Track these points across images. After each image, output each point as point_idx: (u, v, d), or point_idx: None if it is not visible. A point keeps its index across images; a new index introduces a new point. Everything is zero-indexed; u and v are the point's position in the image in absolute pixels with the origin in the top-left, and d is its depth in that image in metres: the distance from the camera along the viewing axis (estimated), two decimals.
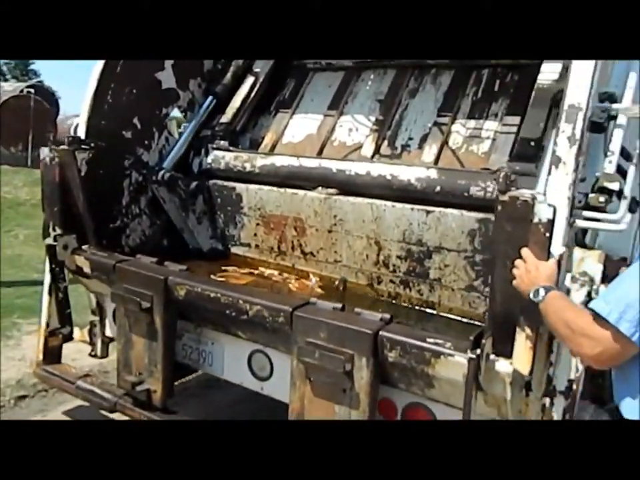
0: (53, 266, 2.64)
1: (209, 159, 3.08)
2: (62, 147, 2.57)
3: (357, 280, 2.68)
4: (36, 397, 3.13)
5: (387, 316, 1.87)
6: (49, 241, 2.61)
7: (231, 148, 3.06)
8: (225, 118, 3.16)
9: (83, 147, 2.60)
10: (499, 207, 1.53)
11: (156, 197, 3.02)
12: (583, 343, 1.19)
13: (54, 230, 2.61)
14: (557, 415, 1.54)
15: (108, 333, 2.90)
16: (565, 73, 2.13)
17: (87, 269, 2.58)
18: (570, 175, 1.52)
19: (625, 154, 1.77)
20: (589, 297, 1.47)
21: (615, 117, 1.73)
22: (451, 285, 2.39)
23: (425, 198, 2.38)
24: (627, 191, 1.57)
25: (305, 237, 2.79)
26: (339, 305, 1.98)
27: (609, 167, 1.66)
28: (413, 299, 2.53)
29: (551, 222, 1.42)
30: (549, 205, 1.42)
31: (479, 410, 1.66)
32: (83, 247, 2.63)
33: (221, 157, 3.04)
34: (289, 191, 2.77)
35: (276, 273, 2.86)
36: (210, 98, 3.20)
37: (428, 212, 2.35)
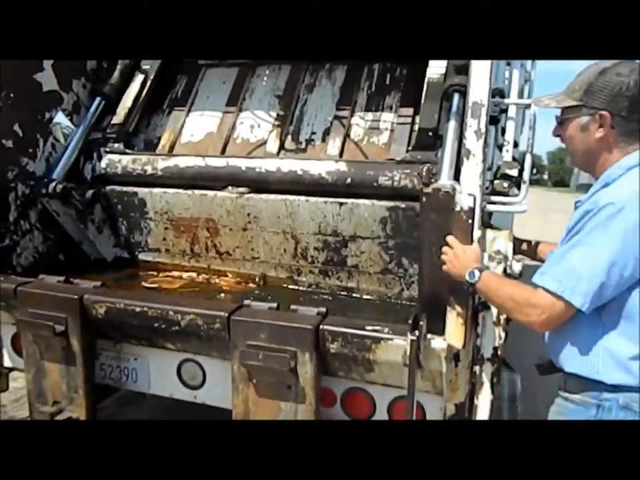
0: None
1: (103, 164, 2.89)
2: None
3: (276, 274, 2.72)
4: None
5: (323, 310, 1.94)
6: None
7: (127, 151, 2.91)
8: (117, 119, 2.98)
9: None
10: (424, 199, 1.67)
11: (47, 210, 2.78)
12: (530, 312, 1.35)
13: None
14: (486, 379, 1.74)
15: (7, 363, 2.63)
16: (449, 64, 2.36)
17: None
18: (479, 165, 1.70)
19: (514, 143, 2.01)
20: (505, 273, 1.67)
21: (505, 111, 1.96)
22: (367, 269, 2.53)
23: (337, 190, 2.48)
24: (526, 176, 1.79)
25: (218, 237, 2.76)
26: (274, 305, 2.01)
27: (507, 155, 1.88)
28: (333, 287, 2.63)
29: (472, 210, 1.58)
30: (469, 195, 1.59)
31: (417, 385, 1.81)
32: None
33: (117, 160, 2.87)
34: (197, 192, 2.71)
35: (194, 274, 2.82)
36: (98, 99, 2.99)
37: (341, 204, 2.45)
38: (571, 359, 1.39)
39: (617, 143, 1.40)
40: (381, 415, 2.03)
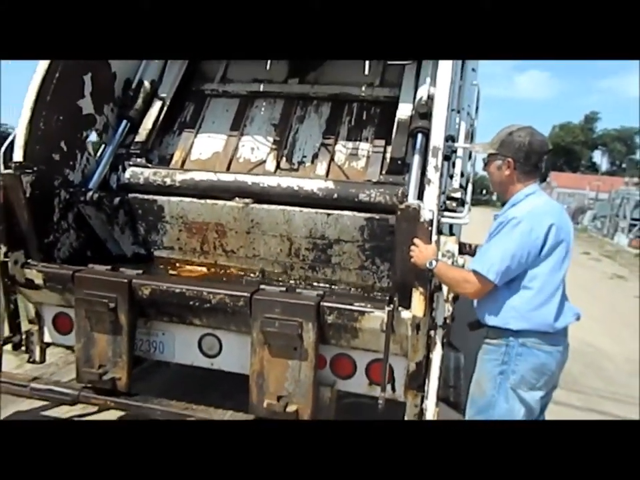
0: (6, 280, 2.83)
1: (127, 175, 3.46)
2: (7, 171, 2.79)
3: (273, 269, 3.36)
4: None
5: (321, 292, 2.61)
6: None
7: (148, 165, 3.50)
8: (139, 138, 3.57)
9: (26, 170, 2.85)
10: (399, 212, 2.37)
11: (82, 213, 3.32)
12: (466, 286, 2.08)
13: None
14: (438, 341, 2.44)
15: (46, 339, 3.14)
16: (415, 110, 3.09)
17: (38, 281, 2.84)
18: (436, 190, 2.42)
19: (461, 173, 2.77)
20: (452, 264, 2.39)
21: (455, 151, 2.71)
22: (348, 266, 3.21)
23: (325, 203, 3.14)
24: (468, 198, 2.54)
25: (225, 238, 3.37)
26: (284, 288, 2.66)
27: (455, 183, 2.63)
28: (320, 279, 3.30)
29: (431, 221, 2.30)
30: (430, 210, 2.31)
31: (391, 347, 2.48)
32: (29, 261, 2.88)
33: (139, 172, 3.45)
34: (209, 201, 3.31)
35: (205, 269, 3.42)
36: (124, 121, 3.57)
37: (328, 214, 3.12)
38: (490, 316, 2.11)
39: (519, 178, 2.16)
40: (360, 374, 2.71)
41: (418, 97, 3.11)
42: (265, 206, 3.21)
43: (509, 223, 2.02)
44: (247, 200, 3.22)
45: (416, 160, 2.86)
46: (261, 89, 3.76)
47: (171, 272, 3.40)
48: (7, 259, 2.79)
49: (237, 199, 3.24)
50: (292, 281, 3.34)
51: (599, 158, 63.47)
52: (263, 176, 3.33)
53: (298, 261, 3.29)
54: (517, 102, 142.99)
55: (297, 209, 3.16)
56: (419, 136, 2.94)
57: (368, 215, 3.04)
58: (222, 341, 2.87)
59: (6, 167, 2.85)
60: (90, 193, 3.24)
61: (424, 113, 2.95)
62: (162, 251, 3.53)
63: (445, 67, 2.63)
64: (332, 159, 3.44)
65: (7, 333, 2.92)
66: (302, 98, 3.70)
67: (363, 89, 3.57)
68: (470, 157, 2.86)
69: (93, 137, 3.53)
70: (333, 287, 3.28)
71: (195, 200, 3.33)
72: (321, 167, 3.42)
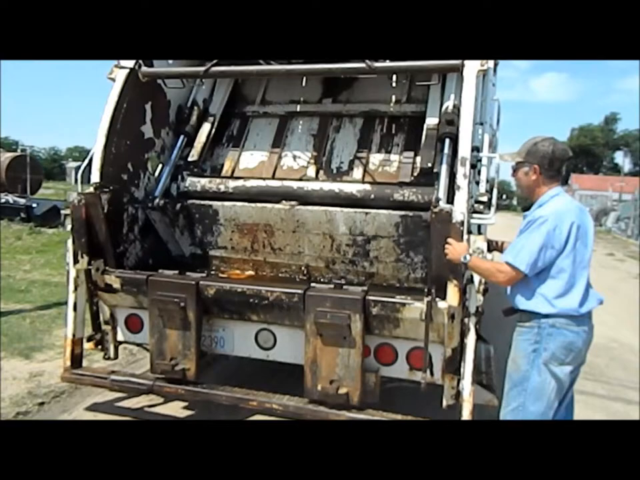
0: (90, 285, 3.25)
1: (186, 184, 3.89)
2: (88, 190, 3.22)
3: (316, 264, 3.73)
4: (52, 401, 3.62)
5: (365, 288, 2.96)
6: (80, 266, 3.23)
7: (204, 174, 3.91)
8: (195, 151, 4.00)
9: (104, 190, 3.28)
10: (433, 215, 2.72)
11: (145, 224, 3.74)
12: (499, 275, 2.40)
13: (81, 257, 3.24)
14: (472, 327, 2.75)
15: (119, 338, 3.55)
16: (442, 119, 3.42)
17: (116, 285, 3.25)
18: (466, 195, 2.76)
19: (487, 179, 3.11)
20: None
21: (480, 160, 3.06)
22: (384, 259, 3.56)
23: (363, 204, 3.51)
24: (494, 201, 2.88)
25: (273, 237, 3.75)
26: (332, 285, 3.02)
27: (482, 188, 2.97)
28: (359, 272, 3.65)
29: (463, 222, 2.64)
30: (461, 212, 2.65)
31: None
32: (107, 268, 3.30)
33: (196, 181, 3.88)
34: (259, 204, 3.70)
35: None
36: (181, 136, 4.00)
37: (366, 213, 3.48)
38: (522, 301, 2.43)
39: (544, 182, 2.49)
40: (401, 361, 3.04)
41: (444, 107, 3.46)
42: (309, 207, 3.59)
43: (537, 221, 2.35)
44: (292, 202, 3.61)
45: (444, 162, 3.21)
46: (298, 109, 4.15)
47: (221, 276, 3.78)
48: (90, 267, 3.21)
49: (283, 201, 3.63)
50: (334, 275, 3.68)
51: (621, 159, 62.75)
52: (307, 181, 3.72)
53: (339, 255, 3.65)
54: (534, 105, 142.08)
55: (338, 209, 3.53)
56: (447, 141, 3.29)
57: (402, 212, 3.40)
58: (276, 335, 3.23)
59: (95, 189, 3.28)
60: (156, 200, 3.68)
61: (450, 120, 3.29)
62: (216, 251, 3.93)
63: (469, 84, 2.96)
64: (366, 165, 3.81)
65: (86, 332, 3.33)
66: (336, 115, 4.09)
67: (392, 105, 3.93)
68: (490, 164, 3.19)
69: (153, 158, 3.96)
70: (371, 279, 3.62)
71: (246, 204, 3.73)
72: (357, 172, 3.78)
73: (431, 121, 3.62)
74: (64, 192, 26.99)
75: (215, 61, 3.36)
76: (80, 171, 3.43)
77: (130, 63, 3.51)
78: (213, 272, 3.83)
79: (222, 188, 3.80)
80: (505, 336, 2.59)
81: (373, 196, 3.50)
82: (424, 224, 3.13)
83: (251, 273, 3.85)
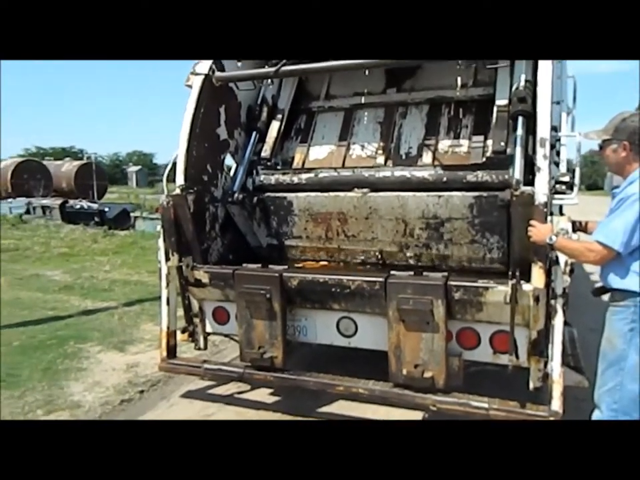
0: (182, 281, 3.47)
1: (261, 178, 4.05)
2: (176, 192, 3.43)
3: (390, 249, 3.79)
4: (150, 390, 3.91)
5: (445, 274, 3.00)
6: (171, 263, 3.45)
7: (277, 168, 4.06)
8: (267, 146, 4.16)
9: (189, 191, 3.48)
10: (514, 198, 2.72)
11: (224, 221, 3.93)
12: (589, 255, 2.37)
13: (172, 255, 3.46)
14: (559, 308, 2.73)
15: (208, 329, 3.76)
16: (514, 96, 3.35)
17: (205, 280, 3.46)
18: (547, 176, 2.74)
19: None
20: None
21: (559, 140, 3.01)
22: (459, 241, 3.57)
23: (436, 187, 3.52)
24: (576, 181, 2.84)
25: (347, 224, 3.84)
26: (411, 273, 3.08)
27: (562, 168, 2.93)
28: (433, 255, 3.69)
29: (546, 203, 2.62)
30: (544, 194, 2.64)
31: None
32: (195, 264, 3.51)
33: (270, 175, 4.03)
34: (332, 193, 3.80)
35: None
36: (254, 133, 4.16)
37: (439, 196, 3.49)
38: (616, 280, 2.39)
39: (634, 158, 2.43)
40: (485, 345, 3.06)
41: (514, 86, 3.39)
42: (381, 194, 3.65)
43: (629, 198, 2.31)
44: (364, 190, 3.68)
45: (518, 143, 3.17)
46: (363, 101, 4.21)
47: (296, 266, 3.91)
48: (181, 264, 3.42)
49: (355, 189, 3.70)
50: (408, 258, 3.74)
51: None
52: (377, 168, 3.78)
53: (413, 240, 3.69)
54: (596, 77, 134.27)
55: (410, 193, 3.57)
56: (520, 119, 3.24)
57: (476, 193, 3.39)
58: (357, 322, 3.32)
59: (169, 189, 3.49)
60: (235, 195, 3.88)
61: (522, 97, 3.24)
62: (292, 240, 4.08)
63: (546, 63, 2.92)
64: (436, 149, 3.81)
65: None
66: (401, 104, 4.11)
67: (458, 90, 3.90)
68: (576, 144, 3.13)
69: (229, 159, 4.15)
70: (445, 262, 3.65)
71: (319, 194, 3.84)
72: (427, 157, 3.80)
73: (501, 102, 3.58)
74: (127, 195, 28.54)
75: (284, 61, 3.47)
76: (165, 175, 3.65)
77: (204, 69, 3.69)
78: (289, 261, 3.98)
79: (295, 180, 3.93)
80: (586, 318, 2.55)
81: (445, 179, 3.52)
82: (500, 203, 3.12)
83: (325, 262, 3.96)
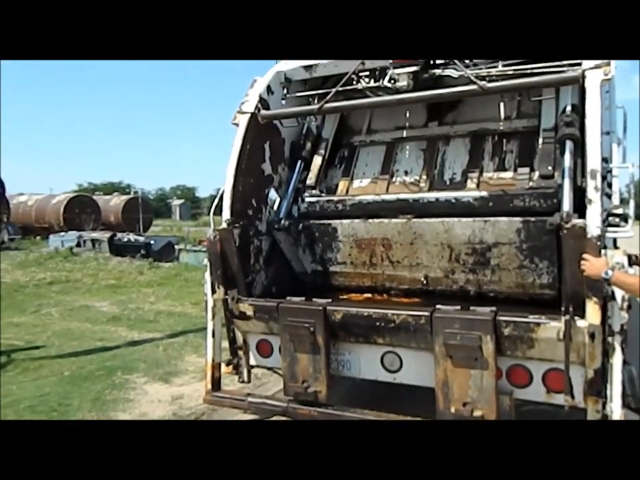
0: (227, 313, 3.52)
1: (306, 205, 4.10)
2: (222, 226, 3.52)
3: (435, 275, 3.74)
4: None
5: (494, 308, 2.92)
6: (217, 296, 3.51)
7: (322, 195, 4.11)
8: (312, 174, 4.22)
9: (235, 225, 3.56)
10: (565, 231, 2.65)
11: (267, 254, 3.98)
12: None
13: (218, 287, 3.52)
14: (617, 346, 2.61)
15: (252, 362, 3.77)
16: (560, 120, 3.29)
17: (249, 313, 3.49)
18: (599, 209, 2.66)
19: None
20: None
21: (610, 171, 2.93)
22: (507, 267, 3.49)
23: (482, 212, 3.47)
24: (631, 213, 2.74)
25: (391, 250, 3.82)
26: (458, 307, 3.02)
27: (615, 200, 2.84)
28: (480, 280, 3.60)
29: (600, 236, 2.54)
30: (597, 227, 2.56)
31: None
32: (240, 297, 3.55)
33: (315, 202, 4.08)
34: (376, 220, 3.81)
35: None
36: (299, 161, 4.24)
37: (485, 221, 3.45)
38: None
39: None
40: (537, 383, 2.94)
41: (559, 111, 3.34)
42: (426, 219, 3.63)
43: None
44: (409, 215, 3.68)
45: (567, 171, 3.11)
46: (404, 135, 4.24)
47: (341, 297, 3.90)
48: (227, 297, 3.48)
49: (400, 215, 3.71)
50: (455, 284, 3.67)
51: None
52: (421, 193, 3.77)
53: (458, 265, 3.63)
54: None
55: (456, 219, 3.54)
56: (568, 143, 3.19)
57: (522, 218, 3.32)
58: (402, 357, 3.26)
59: (215, 223, 3.59)
60: (282, 221, 3.94)
61: (569, 121, 3.19)
62: (336, 266, 4.09)
63: (594, 96, 2.87)
64: (480, 175, 3.77)
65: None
66: (443, 138, 4.12)
67: (501, 122, 3.88)
68: (629, 176, 3.05)
69: (273, 194, 4.23)
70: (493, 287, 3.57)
71: (363, 220, 3.86)
72: (472, 182, 3.76)
73: (547, 126, 3.54)
74: (170, 228, 29.41)
75: (327, 98, 3.55)
76: (212, 210, 3.75)
77: (250, 107, 3.82)
78: (333, 287, 3.99)
79: (339, 207, 3.96)
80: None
81: (491, 203, 3.47)
82: (549, 228, 3.04)
83: (369, 295, 3.94)
